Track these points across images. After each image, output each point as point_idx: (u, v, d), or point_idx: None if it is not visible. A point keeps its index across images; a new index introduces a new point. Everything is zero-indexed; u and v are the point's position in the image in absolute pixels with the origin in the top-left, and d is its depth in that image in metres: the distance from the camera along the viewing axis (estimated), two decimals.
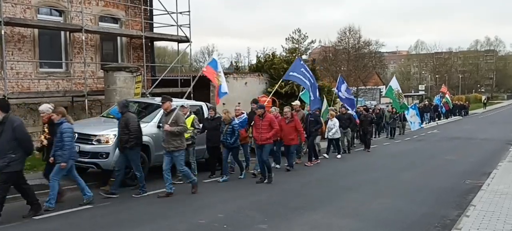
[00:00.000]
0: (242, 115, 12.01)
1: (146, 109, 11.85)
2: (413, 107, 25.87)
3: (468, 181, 11.79)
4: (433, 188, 10.99)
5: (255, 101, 12.97)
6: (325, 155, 15.82)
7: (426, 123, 31.75)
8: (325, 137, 16.22)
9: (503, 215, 7.74)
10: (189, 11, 18.37)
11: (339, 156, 15.91)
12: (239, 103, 17.95)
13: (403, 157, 16.99)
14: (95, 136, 10.03)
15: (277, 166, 13.01)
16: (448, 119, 40.65)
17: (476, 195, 9.44)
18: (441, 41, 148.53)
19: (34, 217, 7.48)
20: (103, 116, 12.46)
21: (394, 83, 23.01)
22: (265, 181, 10.90)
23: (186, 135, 9.91)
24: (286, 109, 12.97)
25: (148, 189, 9.60)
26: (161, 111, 11.02)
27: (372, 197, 9.86)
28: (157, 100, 12.38)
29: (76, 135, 9.97)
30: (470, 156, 17.19)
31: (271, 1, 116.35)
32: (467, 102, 53.85)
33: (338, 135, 15.98)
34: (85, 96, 14.92)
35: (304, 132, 13.71)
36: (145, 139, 10.33)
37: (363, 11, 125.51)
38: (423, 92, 75.39)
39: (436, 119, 37.58)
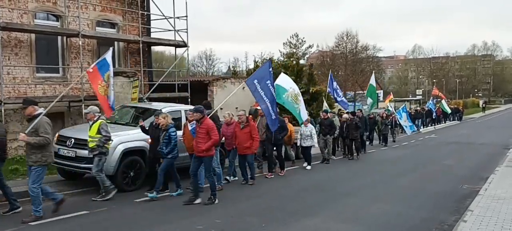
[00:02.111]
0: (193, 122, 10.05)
1: (143, 114, 11.80)
2: (403, 109, 25.78)
3: (465, 186, 11.78)
4: (431, 192, 10.97)
5: (206, 105, 10.71)
6: (308, 166, 14.25)
7: (418, 130, 30.78)
8: (298, 144, 14.77)
9: (500, 220, 7.73)
10: (186, 16, 18.40)
11: (308, 167, 14.13)
12: (236, 108, 17.93)
13: (401, 162, 16.97)
14: None
15: (230, 178, 11.58)
16: (445, 123, 40.53)
17: (474, 200, 9.43)
18: (439, 46, 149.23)
19: (30, 223, 7.42)
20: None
21: (372, 80, 23.12)
22: (196, 201, 8.99)
23: (91, 144, 9.11)
24: (241, 112, 11.44)
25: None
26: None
27: (370, 201, 9.84)
28: (154, 105, 12.39)
29: (73, 140, 9.97)
30: (467, 161, 17.19)
31: (267, 6, 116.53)
32: (461, 106, 53.50)
33: (311, 143, 14.33)
34: (82, 101, 14.88)
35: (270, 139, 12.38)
36: (141, 144, 10.32)
37: (360, 13, 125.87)
38: (420, 97, 75.52)
39: (430, 124, 36.62)
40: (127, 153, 9.99)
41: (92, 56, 16.50)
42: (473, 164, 16.29)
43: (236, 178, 11.70)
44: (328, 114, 16.43)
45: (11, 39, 14.12)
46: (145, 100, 15.89)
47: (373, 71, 27.56)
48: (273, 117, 11.60)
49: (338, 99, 20.13)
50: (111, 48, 10.52)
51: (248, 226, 7.63)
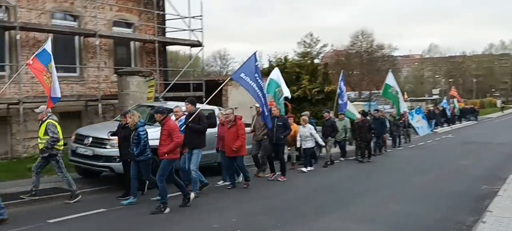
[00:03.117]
0: (183, 117, 9.82)
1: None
2: (417, 111, 25.23)
3: (483, 186, 11.60)
4: (448, 193, 10.83)
5: (191, 100, 9.97)
6: (304, 168, 13.41)
7: (431, 130, 30.02)
8: (297, 145, 13.83)
9: None
10: (201, 16, 18.46)
11: (304, 170, 13.28)
12: (250, 107, 17.88)
13: (417, 162, 16.79)
14: (109, 140, 10.08)
15: (220, 183, 10.99)
16: (461, 123, 39.83)
17: (493, 200, 9.27)
18: (455, 45, 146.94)
19: (48, 221, 7.53)
20: (117, 120, 12.53)
21: (390, 80, 20.30)
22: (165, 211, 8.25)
23: (41, 146, 8.74)
24: (228, 111, 10.85)
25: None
26: (173, 115, 11.07)
27: (386, 201, 9.77)
28: (170, 104, 12.45)
29: (90, 138, 10.08)
30: (485, 161, 16.93)
31: (277, 6, 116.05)
32: (477, 106, 52.36)
33: (312, 144, 13.39)
34: (99, 100, 15.04)
35: (272, 139, 11.81)
36: (158, 142, 10.36)
37: (373, 12, 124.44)
38: (437, 97, 74.65)
39: (445, 124, 35.77)
40: None
41: (108, 56, 16.69)
42: (491, 164, 16.04)
43: (239, 179, 11.31)
44: (330, 114, 15.53)
45: (29, 39, 14.34)
46: (161, 99, 15.99)
47: (390, 70, 24.88)
48: (266, 114, 10.94)
49: (340, 102, 17.98)
50: (49, 39, 9.65)
51: (263, 225, 7.62)
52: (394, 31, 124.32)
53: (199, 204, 9.02)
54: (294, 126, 13.47)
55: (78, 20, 15.80)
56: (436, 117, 32.13)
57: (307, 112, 14.90)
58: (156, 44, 17.45)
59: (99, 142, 9.96)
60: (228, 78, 12.13)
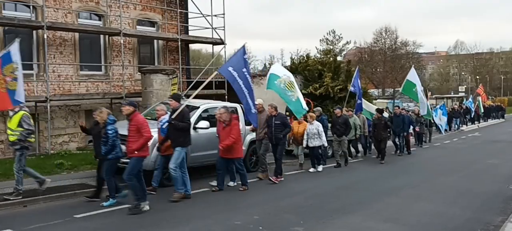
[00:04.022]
0: (164, 117, 9.47)
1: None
2: (441, 108, 24.68)
3: (511, 186, 11.33)
4: (476, 192, 10.60)
5: (175, 97, 9.43)
6: (311, 169, 12.84)
7: (455, 129, 28.90)
8: (304, 145, 12.86)
9: None
10: (223, 14, 18.52)
11: (311, 170, 12.74)
12: (269, 105, 17.82)
13: (444, 160, 16.47)
14: None
15: (230, 183, 10.43)
16: (487, 121, 38.77)
17: None
18: (482, 41, 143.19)
19: (75, 216, 7.68)
20: None
21: (412, 76, 18.46)
22: (144, 208, 8.04)
23: (12, 138, 8.41)
24: (222, 109, 10.12)
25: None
26: (197, 112, 11.16)
27: (412, 201, 9.62)
28: (192, 102, 12.53)
29: None
30: None
31: (300, 3, 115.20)
32: (505, 104, 50.75)
33: (319, 142, 12.64)
34: (123, 98, 15.26)
35: (272, 139, 11.18)
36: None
37: (398, 9, 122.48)
38: (463, 94, 73.16)
39: (469, 123, 34.57)
40: None
41: (133, 54, 16.91)
42: None
43: (231, 184, 10.70)
44: (344, 111, 14.65)
45: (56, 38, 14.65)
46: (184, 97, 16.12)
47: (412, 65, 23.12)
48: (253, 111, 10.23)
49: (358, 101, 17.04)
50: (17, 40, 9.06)
51: (286, 222, 7.60)
52: (419, 28, 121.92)
53: (221, 201, 9.07)
54: (304, 124, 12.88)
55: (103, 19, 16.06)
56: (460, 116, 31.14)
57: (318, 108, 14.51)
58: (179, 43, 17.61)
59: (123, 139, 10.05)
60: (215, 72, 11.41)
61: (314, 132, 12.55)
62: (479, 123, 36.26)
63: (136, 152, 7.93)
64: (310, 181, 11.61)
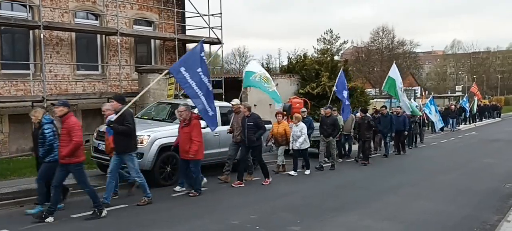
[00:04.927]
0: (111, 115, 8.53)
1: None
2: (431, 102, 24.23)
3: (508, 184, 11.35)
4: (473, 191, 10.63)
5: (118, 98, 8.66)
6: (292, 172, 12.15)
7: (453, 130, 28.75)
8: (290, 147, 12.24)
9: None
10: (220, 13, 18.52)
11: (292, 173, 12.07)
12: (270, 104, 17.86)
13: (441, 159, 16.51)
14: None
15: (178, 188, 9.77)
16: (482, 121, 38.64)
17: None
18: (479, 40, 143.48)
19: (71, 216, 7.65)
20: (137, 117, 12.66)
21: (394, 73, 17.66)
22: (47, 219, 7.28)
23: None
24: (182, 107, 9.44)
25: (184, 188, 9.72)
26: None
27: (410, 199, 9.65)
28: (189, 101, 12.51)
29: None
30: (510, 159, 16.55)
31: (297, 2, 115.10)
32: (501, 103, 50.57)
33: (306, 145, 12.08)
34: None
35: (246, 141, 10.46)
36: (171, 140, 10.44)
37: (395, 8, 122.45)
38: (460, 93, 73.30)
39: (463, 123, 34.10)
40: (164, 148, 10.14)
41: (129, 54, 16.89)
42: None
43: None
44: (333, 111, 13.80)
45: (52, 38, 14.61)
46: (181, 97, 16.10)
47: (394, 62, 21.41)
48: (210, 114, 9.58)
49: (346, 102, 15.82)
50: None
51: (283, 221, 7.60)
52: (418, 27, 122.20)
53: (218, 201, 9.06)
54: (284, 124, 12.39)
55: (100, 19, 16.03)
56: (456, 116, 30.76)
57: (304, 109, 14.21)
58: (176, 42, 17.59)
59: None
60: (165, 71, 10.83)
61: (299, 135, 11.97)
62: (475, 122, 36.28)
63: (66, 158, 7.20)
64: (307, 180, 11.61)
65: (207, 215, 7.93)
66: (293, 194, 9.93)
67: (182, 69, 9.10)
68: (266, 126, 11.73)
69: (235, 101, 11.12)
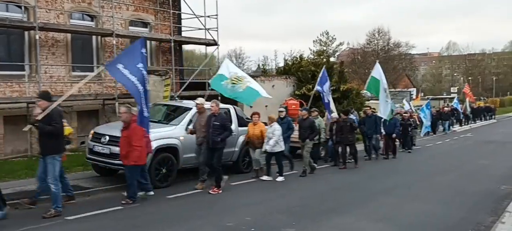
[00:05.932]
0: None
1: (174, 112, 11.98)
2: (427, 106, 24.52)
3: (503, 186, 11.40)
4: (467, 192, 10.68)
5: (44, 95, 7.97)
6: (266, 176, 11.55)
7: (447, 132, 28.52)
8: (263, 149, 11.46)
9: None
10: (216, 15, 18.51)
11: (279, 179, 11.46)
12: (266, 106, 17.80)
13: (436, 161, 16.58)
14: None
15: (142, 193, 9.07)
16: (476, 123, 38.68)
17: None
18: (474, 42, 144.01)
19: (66, 218, 7.63)
20: None
21: (377, 72, 16.81)
22: None
23: None
24: (123, 109, 9.03)
25: (179, 190, 9.75)
26: (190, 114, 11.13)
27: (405, 201, 9.69)
28: (185, 103, 12.51)
29: (107, 137, 10.17)
30: (505, 161, 16.64)
31: (293, 4, 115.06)
32: (495, 105, 50.65)
33: (279, 148, 11.37)
34: (116, 99, 15.19)
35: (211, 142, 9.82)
36: (174, 141, 10.46)
37: (391, 10, 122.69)
38: (455, 95, 73.54)
39: (456, 125, 33.45)
40: (159, 149, 10.12)
41: None
42: (511, 164, 15.76)
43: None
44: (312, 113, 13.38)
45: (48, 39, 14.56)
46: (177, 98, 16.09)
47: (377, 61, 20.29)
48: (146, 114, 8.87)
49: (325, 101, 15.44)
50: None
51: (278, 223, 7.60)
52: (415, 28, 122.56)
53: (213, 203, 9.05)
54: (260, 125, 11.67)
55: (95, 20, 15.99)
56: (449, 118, 30.54)
57: (282, 109, 13.38)
58: (172, 43, 17.57)
59: (116, 141, 10.03)
60: (101, 68, 10.08)
61: (270, 136, 11.25)
62: (469, 124, 36.27)
63: None
64: (303, 182, 11.62)
65: (202, 217, 7.92)
66: (288, 195, 9.93)
67: (120, 66, 8.56)
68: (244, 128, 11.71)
69: (200, 100, 10.60)
